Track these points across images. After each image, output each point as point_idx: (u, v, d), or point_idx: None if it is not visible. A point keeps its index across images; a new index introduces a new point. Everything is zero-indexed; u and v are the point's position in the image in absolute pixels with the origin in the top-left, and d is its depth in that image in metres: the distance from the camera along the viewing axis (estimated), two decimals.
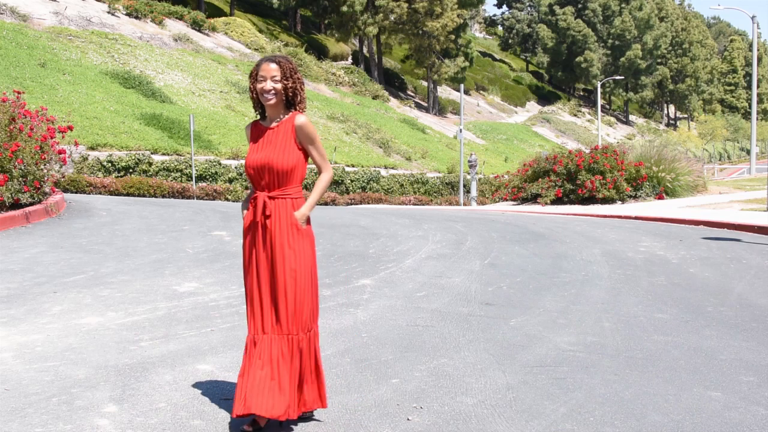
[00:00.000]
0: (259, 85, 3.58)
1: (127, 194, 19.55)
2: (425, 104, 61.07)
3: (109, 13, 40.93)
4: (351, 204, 24.69)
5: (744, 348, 5.17)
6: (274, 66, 3.57)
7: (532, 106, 78.40)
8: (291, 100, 3.63)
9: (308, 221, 3.67)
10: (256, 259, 3.60)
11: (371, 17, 53.69)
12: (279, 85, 3.57)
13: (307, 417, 3.75)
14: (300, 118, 3.60)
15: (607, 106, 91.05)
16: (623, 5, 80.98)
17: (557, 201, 18.96)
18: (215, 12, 54.98)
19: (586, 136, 67.32)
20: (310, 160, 3.71)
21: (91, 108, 27.13)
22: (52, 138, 11.45)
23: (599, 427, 3.75)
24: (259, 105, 3.67)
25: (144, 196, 19.71)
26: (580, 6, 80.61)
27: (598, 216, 15.04)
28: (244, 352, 3.61)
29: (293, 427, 3.67)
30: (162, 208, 13.40)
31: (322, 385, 3.69)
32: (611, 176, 18.42)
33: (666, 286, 7.28)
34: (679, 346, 5.18)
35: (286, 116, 3.64)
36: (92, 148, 22.95)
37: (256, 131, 3.67)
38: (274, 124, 3.64)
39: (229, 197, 21.41)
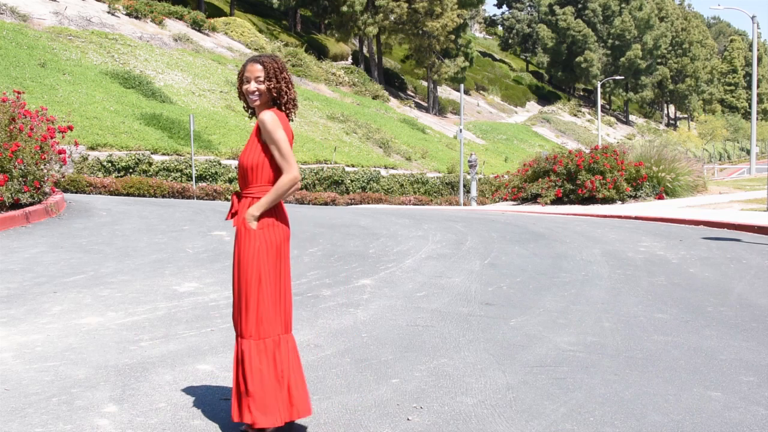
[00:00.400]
0: (244, 87, 3.53)
1: (127, 194, 19.55)
2: (425, 104, 61.07)
3: (109, 13, 40.94)
4: (351, 204, 24.70)
5: (744, 348, 5.17)
6: (258, 67, 3.50)
7: (532, 106, 78.42)
8: (276, 101, 3.56)
9: (268, 223, 3.50)
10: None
11: (371, 17, 53.70)
12: (263, 86, 3.49)
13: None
14: (262, 115, 3.49)
15: (607, 106, 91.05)
16: (623, 5, 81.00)
17: (557, 201, 18.96)
18: (215, 12, 55.00)
19: (586, 136, 67.33)
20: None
21: (91, 108, 27.13)
22: (52, 138, 11.45)
23: (599, 427, 3.75)
24: (248, 106, 3.62)
25: (144, 196, 19.72)
26: (580, 6, 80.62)
27: (598, 216, 15.03)
28: None
29: (293, 427, 3.67)
30: (162, 208, 13.40)
31: (247, 403, 3.46)
32: (611, 176, 18.42)
33: (666, 286, 7.28)
34: (679, 346, 5.18)
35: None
36: (92, 148, 22.95)
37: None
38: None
39: (229, 197, 21.40)
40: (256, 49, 47.07)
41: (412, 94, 64.09)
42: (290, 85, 3.58)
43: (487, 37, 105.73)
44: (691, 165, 20.80)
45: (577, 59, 78.38)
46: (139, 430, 3.58)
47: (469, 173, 26.95)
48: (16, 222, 9.88)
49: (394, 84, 61.87)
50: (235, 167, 23.51)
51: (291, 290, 3.62)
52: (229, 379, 4.31)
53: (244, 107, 3.66)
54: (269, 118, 3.45)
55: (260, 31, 53.68)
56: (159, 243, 9.16)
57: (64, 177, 16.86)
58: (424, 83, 62.52)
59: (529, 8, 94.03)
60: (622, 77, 76.79)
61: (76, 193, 18.11)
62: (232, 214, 3.56)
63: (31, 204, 10.66)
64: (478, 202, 25.47)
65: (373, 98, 51.77)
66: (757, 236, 10.72)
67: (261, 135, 3.48)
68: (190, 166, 22.55)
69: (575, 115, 78.59)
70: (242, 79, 3.54)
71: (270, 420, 3.42)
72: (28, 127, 10.96)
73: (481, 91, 74.66)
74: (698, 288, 7.19)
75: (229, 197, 21.16)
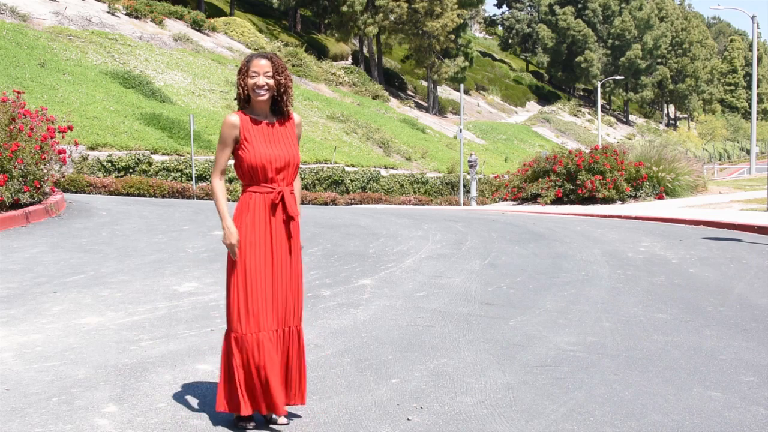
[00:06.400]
0: (251, 81, 3.60)
1: (127, 194, 19.55)
2: (425, 104, 61.07)
3: (109, 13, 40.94)
4: (351, 204, 24.69)
5: (744, 348, 5.17)
6: (265, 62, 3.62)
7: (532, 106, 78.40)
8: (280, 96, 3.67)
9: None
10: (272, 251, 3.61)
11: (371, 17, 53.69)
12: (272, 81, 3.62)
13: None
14: (297, 117, 3.80)
15: (607, 106, 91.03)
16: (623, 5, 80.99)
17: (557, 201, 18.96)
18: (215, 12, 54.99)
19: (586, 136, 67.32)
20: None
21: (91, 108, 27.13)
22: (52, 138, 11.45)
23: (599, 427, 3.75)
24: (246, 102, 3.67)
25: (144, 196, 19.71)
26: (580, 6, 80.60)
27: (598, 216, 15.03)
28: None
29: (292, 426, 3.68)
30: (162, 208, 13.40)
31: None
32: (611, 176, 18.42)
33: (666, 286, 7.27)
34: (679, 346, 5.18)
35: (280, 113, 3.71)
36: (92, 148, 22.95)
37: (251, 123, 3.63)
38: (270, 120, 3.69)
39: (230, 197, 21.42)
40: (255, 49, 47.05)
41: (412, 94, 64.08)
42: (291, 83, 3.73)
43: (487, 37, 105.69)
44: (691, 165, 20.79)
45: (577, 59, 78.36)
46: (139, 430, 3.58)
47: (469, 173, 26.95)
48: (16, 222, 9.88)
49: (394, 84, 61.86)
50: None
51: None
52: None
53: (240, 102, 3.69)
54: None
55: (260, 31, 53.68)
56: (159, 243, 9.16)
57: (64, 177, 16.86)
58: (424, 83, 62.51)
59: (529, 8, 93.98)
60: (622, 77, 76.77)
61: (76, 193, 18.11)
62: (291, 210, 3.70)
63: (31, 204, 10.65)
64: (478, 202, 25.47)
65: (373, 98, 51.76)
66: (757, 236, 10.71)
67: (298, 134, 3.77)
68: (190, 166, 22.56)
69: (575, 115, 78.58)
70: (246, 73, 3.62)
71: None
72: (28, 127, 10.96)
73: (481, 91, 74.65)
74: (698, 288, 7.18)
75: (230, 197, 21.28)
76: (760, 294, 6.92)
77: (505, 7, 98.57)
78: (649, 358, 4.90)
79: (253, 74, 3.59)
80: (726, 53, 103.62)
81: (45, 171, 11.26)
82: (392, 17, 54.23)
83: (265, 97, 3.61)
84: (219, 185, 3.77)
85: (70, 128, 12.39)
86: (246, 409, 3.56)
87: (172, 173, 22.34)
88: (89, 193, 18.59)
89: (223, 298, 6.35)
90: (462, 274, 7.69)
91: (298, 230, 3.71)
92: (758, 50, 78.94)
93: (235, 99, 3.76)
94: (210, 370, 4.47)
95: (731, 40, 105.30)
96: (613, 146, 22.20)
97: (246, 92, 3.64)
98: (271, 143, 3.63)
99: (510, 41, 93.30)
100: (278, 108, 3.70)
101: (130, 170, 21.66)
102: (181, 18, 45.78)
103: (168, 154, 24.75)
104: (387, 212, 15.87)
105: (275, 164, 3.60)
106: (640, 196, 18.63)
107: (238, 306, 3.57)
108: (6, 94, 11.37)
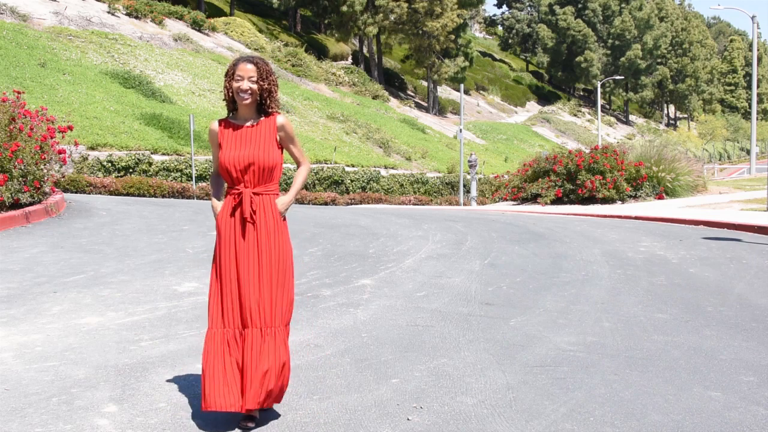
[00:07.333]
0: (235, 84, 3.66)
1: (127, 194, 19.55)
2: (425, 104, 61.07)
3: (109, 13, 40.94)
4: (351, 204, 24.69)
5: (744, 348, 5.17)
6: (251, 67, 3.67)
7: (532, 106, 78.41)
8: (264, 101, 3.71)
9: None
10: (236, 252, 3.66)
11: (371, 17, 53.71)
12: (255, 86, 3.66)
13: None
14: (282, 118, 3.76)
15: (607, 106, 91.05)
16: (623, 5, 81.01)
17: (557, 201, 18.96)
18: (215, 12, 55.00)
19: (586, 136, 67.33)
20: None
21: (91, 108, 27.13)
22: (52, 138, 11.45)
23: (599, 427, 3.75)
24: (232, 103, 3.73)
25: (144, 196, 19.71)
26: (580, 6, 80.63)
27: (598, 216, 15.03)
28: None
29: (291, 427, 3.68)
30: (162, 208, 13.41)
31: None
32: (611, 176, 18.42)
33: (666, 286, 7.27)
34: (679, 346, 5.18)
35: (264, 116, 3.74)
36: (92, 148, 22.95)
37: (229, 129, 3.71)
38: (250, 123, 3.72)
39: None
40: (255, 49, 47.10)
41: (412, 94, 64.09)
42: (276, 88, 3.76)
43: (487, 37, 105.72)
44: (691, 165, 20.80)
45: (577, 59, 78.38)
46: (139, 430, 3.58)
47: (469, 173, 26.95)
48: (16, 222, 9.88)
49: (394, 84, 61.88)
50: None
51: None
52: None
53: (227, 105, 3.76)
54: (288, 120, 3.78)
55: (260, 31, 53.69)
56: (159, 243, 9.16)
57: (64, 177, 16.87)
58: (424, 83, 62.52)
59: (529, 8, 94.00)
60: (622, 77, 76.80)
61: (76, 193, 18.11)
62: (254, 211, 3.64)
63: (31, 204, 10.65)
64: (478, 202, 25.47)
65: (373, 98, 51.77)
66: (757, 236, 10.71)
67: (281, 135, 3.74)
68: (190, 166, 22.56)
69: (575, 115, 78.59)
70: (233, 76, 3.68)
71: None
72: (28, 127, 10.96)
73: (481, 91, 74.66)
74: (698, 288, 7.18)
75: None
76: (760, 294, 6.92)
77: (505, 7, 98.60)
78: (649, 358, 4.90)
79: (238, 78, 3.65)
80: (726, 53, 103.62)
81: (45, 171, 11.25)
82: (392, 17, 54.25)
83: (248, 101, 3.66)
84: (213, 175, 3.91)
85: (70, 128, 12.39)
86: (204, 404, 3.56)
87: (172, 173, 22.35)
88: (89, 193, 18.59)
89: None
90: (462, 274, 7.69)
91: (276, 231, 3.67)
92: (758, 50, 78.99)
93: (224, 99, 3.81)
94: None
95: (731, 40, 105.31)
96: (613, 146, 22.20)
97: (231, 94, 3.69)
98: (241, 146, 3.66)
99: (510, 41, 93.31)
100: (264, 111, 3.75)
101: (130, 170, 21.66)
102: (181, 18, 45.79)
103: (168, 154, 24.76)
104: (387, 212, 15.87)
105: (238, 166, 3.64)
106: (640, 196, 18.63)
107: (209, 302, 3.73)
108: (6, 94, 11.37)
